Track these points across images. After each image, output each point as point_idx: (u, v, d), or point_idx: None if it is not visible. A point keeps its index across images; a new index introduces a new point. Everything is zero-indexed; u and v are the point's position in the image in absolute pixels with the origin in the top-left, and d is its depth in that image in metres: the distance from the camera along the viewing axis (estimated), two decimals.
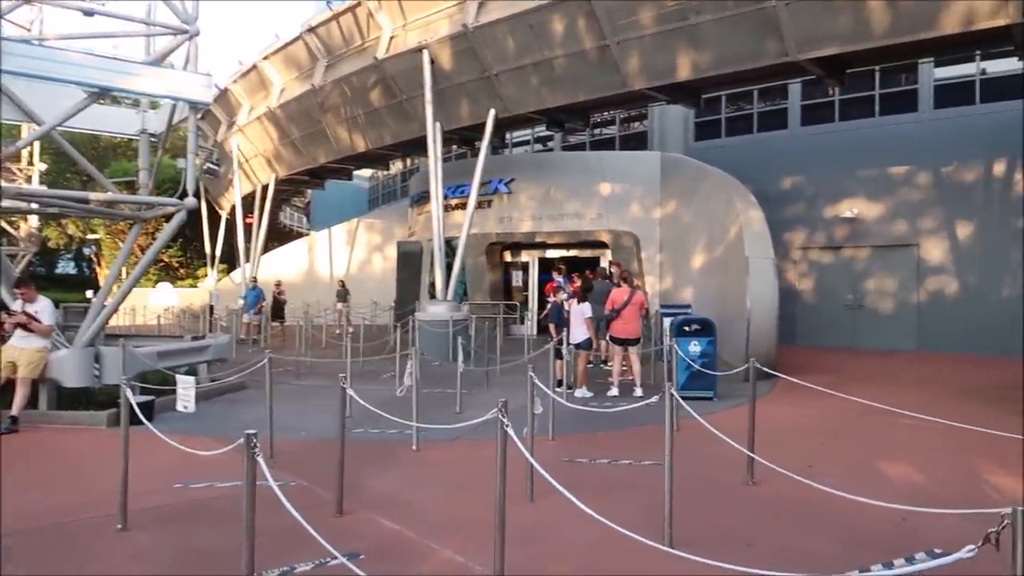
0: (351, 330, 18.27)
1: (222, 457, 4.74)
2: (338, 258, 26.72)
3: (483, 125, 15.79)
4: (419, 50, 15.50)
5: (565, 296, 10.89)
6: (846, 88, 16.53)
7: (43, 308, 8.50)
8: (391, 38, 16.43)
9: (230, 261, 32.82)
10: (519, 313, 18.91)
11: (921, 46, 11.30)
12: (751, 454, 5.87)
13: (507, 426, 3.82)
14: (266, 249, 25.49)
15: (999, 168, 15.30)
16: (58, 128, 9.54)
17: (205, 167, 12.72)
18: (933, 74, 16.21)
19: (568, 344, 9.81)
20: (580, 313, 10.25)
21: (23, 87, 9.51)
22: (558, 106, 15.20)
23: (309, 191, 33.57)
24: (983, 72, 15.93)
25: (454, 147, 21.49)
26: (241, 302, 19.76)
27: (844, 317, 16.78)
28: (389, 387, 11.00)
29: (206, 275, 29.14)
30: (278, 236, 33.77)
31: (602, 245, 18.58)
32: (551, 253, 19.86)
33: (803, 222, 17.38)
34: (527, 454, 3.90)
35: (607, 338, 10.55)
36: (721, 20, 11.89)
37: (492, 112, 15.44)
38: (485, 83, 15.34)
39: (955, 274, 15.67)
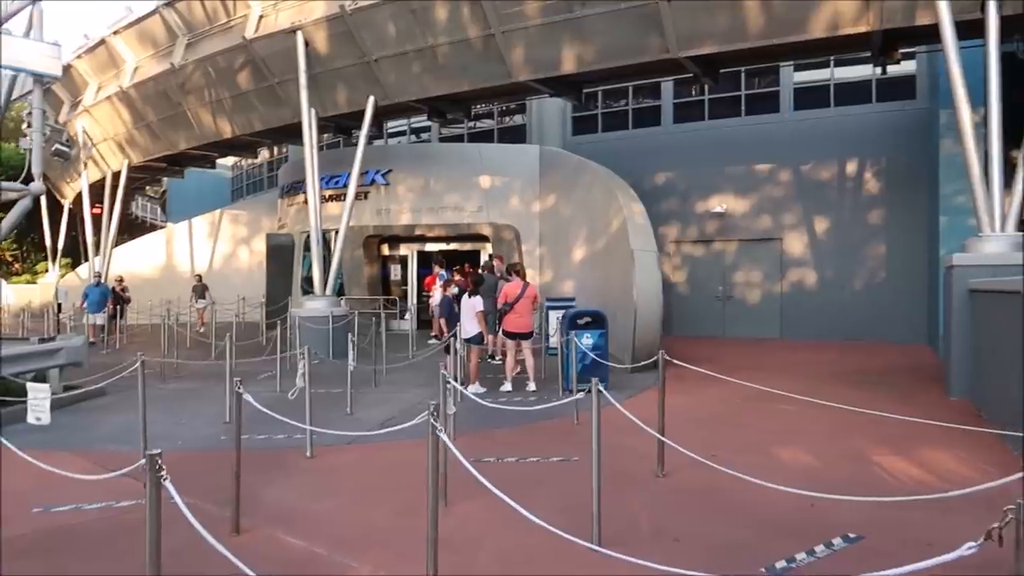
0: (202, 329, 17.11)
1: (85, 474, 4.17)
2: (200, 252, 25.06)
3: (361, 113, 15.20)
4: (292, 31, 14.69)
5: (456, 290, 10.61)
6: (715, 88, 17.25)
7: None
8: (260, 17, 15.48)
9: (73, 255, 30.11)
10: (399, 308, 18.42)
11: (791, 48, 11.86)
12: (667, 440, 5.84)
13: (439, 431, 3.53)
14: (117, 242, 23.47)
15: (851, 167, 16.43)
16: None
17: (54, 148, 11.37)
18: (793, 77, 17.17)
19: (460, 339, 9.55)
20: (472, 307, 10.01)
21: None
22: (441, 95, 14.85)
23: (165, 180, 31.32)
24: (832, 76, 17.02)
25: (326, 135, 20.62)
26: (81, 301, 17.71)
27: (714, 308, 17.51)
28: (267, 388, 10.35)
29: (47, 270, 26.55)
30: (129, 228, 31.31)
31: (482, 238, 18.41)
32: (430, 246, 19.49)
33: (676, 216, 17.96)
34: (461, 458, 3.61)
35: (499, 332, 10.37)
36: (606, 14, 11.97)
37: (371, 99, 14.88)
38: (364, 69, 14.74)
39: (813, 266, 16.71)
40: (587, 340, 9.63)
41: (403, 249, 19.71)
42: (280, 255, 20.53)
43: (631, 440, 7.13)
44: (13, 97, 10.24)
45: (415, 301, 18.78)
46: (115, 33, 18.74)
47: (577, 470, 6.35)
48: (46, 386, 6.57)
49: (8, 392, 7.96)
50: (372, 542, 4.60)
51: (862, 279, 16.21)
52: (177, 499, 2.89)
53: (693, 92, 18.43)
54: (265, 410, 5.31)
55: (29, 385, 6.53)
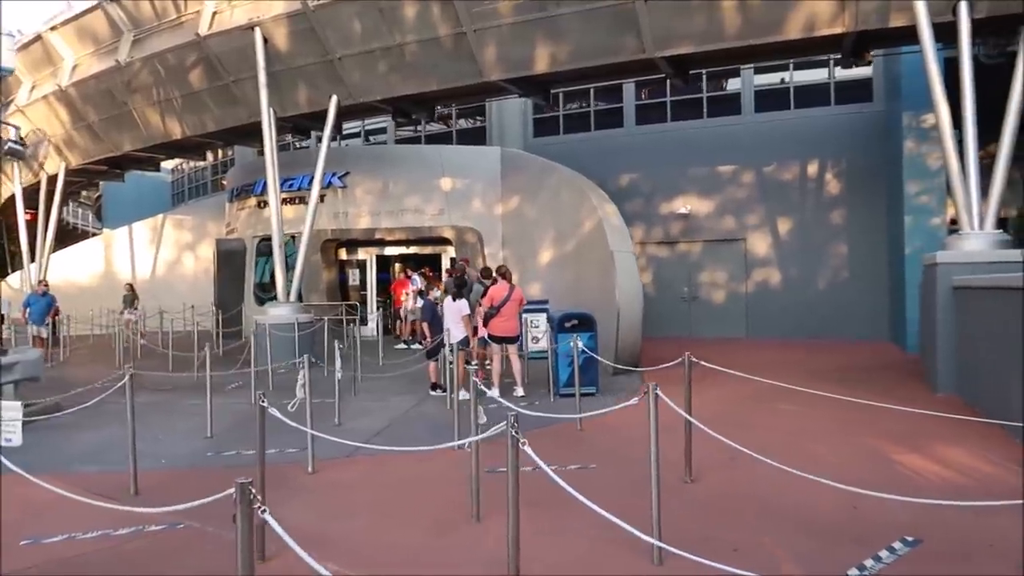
0: (143, 341, 16.06)
1: (64, 499, 3.76)
2: (141, 259, 23.93)
3: (322, 113, 14.69)
4: (250, 28, 14.08)
5: (438, 294, 10.27)
6: (676, 90, 17.34)
7: None
8: (214, 13, 14.79)
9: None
10: (360, 314, 17.88)
11: (767, 49, 11.89)
12: (719, 435, 5.66)
13: (523, 443, 3.24)
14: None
15: (812, 169, 16.71)
16: None
17: (7, 147, 10.51)
18: (754, 80, 17.38)
19: (449, 344, 9.21)
20: (457, 311, 9.68)
21: None
22: (407, 95, 14.45)
23: (101, 184, 29.87)
24: (782, 81, 17.31)
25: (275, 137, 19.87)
26: (23, 311, 16.57)
27: (680, 308, 17.55)
28: (240, 400, 9.81)
29: None
30: (60, 235, 29.64)
31: (444, 242, 18.05)
32: (390, 250, 19.02)
33: (641, 218, 17.94)
34: (548, 469, 3.32)
35: (486, 337, 10.06)
36: (580, 14, 11.80)
37: (335, 99, 14.38)
38: (327, 67, 14.23)
39: (777, 266, 16.92)
40: (577, 343, 9.40)
41: (361, 253, 19.18)
42: (231, 261, 19.72)
43: (640, 446, 6.93)
44: None
45: (375, 307, 18.28)
46: (52, 28, 17.72)
47: (599, 478, 6.12)
48: (18, 404, 6.02)
49: None
50: (411, 564, 4.27)
51: (825, 278, 16.48)
52: (275, 526, 2.53)
53: (643, 95, 18.52)
54: (290, 422, 4.91)
55: (0, 403, 5.97)
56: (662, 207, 17.89)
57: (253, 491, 2.45)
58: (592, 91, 18.89)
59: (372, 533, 4.84)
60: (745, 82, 17.45)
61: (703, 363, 6.10)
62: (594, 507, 3.24)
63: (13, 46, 8.38)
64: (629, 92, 18.47)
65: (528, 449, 3.32)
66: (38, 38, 18.11)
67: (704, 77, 17.60)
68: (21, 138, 16.54)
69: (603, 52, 12.29)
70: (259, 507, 2.45)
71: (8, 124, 13.14)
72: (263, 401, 4.47)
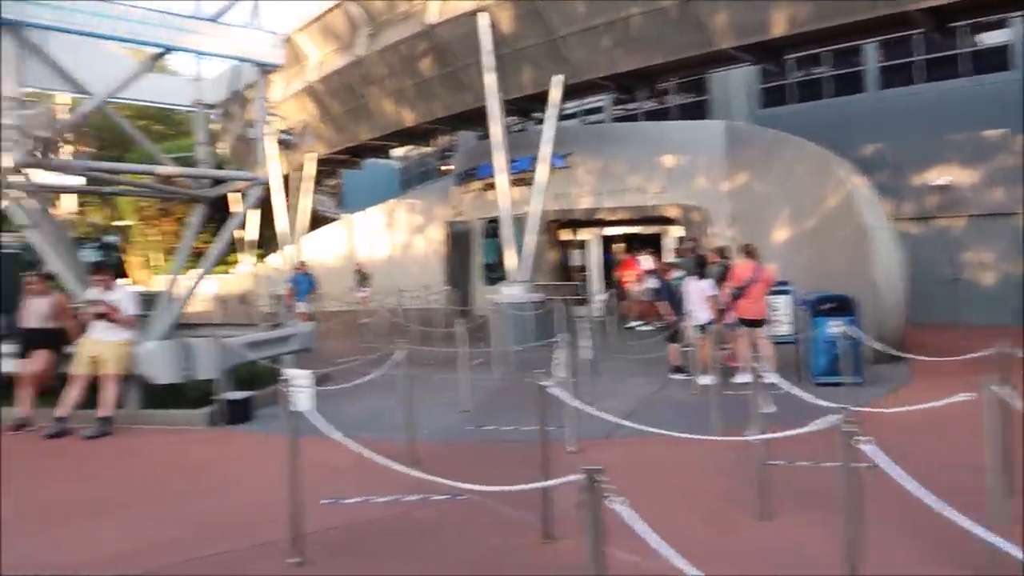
0: (368, 319, 17.16)
1: (353, 465, 3.84)
2: (377, 241, 25.70)
3: (544, 94, 14.80)
4: (475, 13, 14.44)
5: (681, 275, 9.90)
6: (928, 48, 15.49)
7: (124, 297, 7.59)
8: (442, 0, 15.37)
9: (260, 245, 31.90)
10: (587, 294, 17.92)
11: None
12: None
13: (866, 440, 2.89)
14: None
15: None
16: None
17: (280, 138, 11.77)
18: None
19: (694, 326, 8.85)
20: (700, 291, 9.28)
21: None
22: (630, 70, 14.15)
23: (342, 172, 32.57)
24: None
25: None
26: (287, 287, 18.44)
27: (940, 291, 15.67)
28: (484, 376, 10.15)
29: (236, 261, 28.22)
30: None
31: (666, 220, 17.58)
32: (609, 230, 18.85)
33: (889, 191, 16.17)
34: (891, 468, 2.94)
35: (734, 320, 9.56)
36: None
37: (559, 79, 14.41)
38: (550, 47, 14.31)
39: None
40: (836, 328, 8.65)
41: (583, 234, 19.19)
42: (459, 243, 20.62)
43: (931, 445, 6.20)
44: (233, 89, 10.44)
45: (603, 287, 18.20)
46: (300, 30, 19.39)
47: (889, 481, 5.52)
48: (308, 372, 6.53)
49: (256, 378, 8.10)
50: (706, 565, 4.02)
51: None
52: (628, 516, 2.41)
53: (881, 56, 16.65)
54: (571, 401, 4.87)
55: (291, 372, 6.51)
56: (913, 179, 16.07)
57: (604, 479, 2.34)
58: (825, 55, 17.38)
59: (655, 519, 4.65)
60: (1015, 33, 15.16)
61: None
62: (956, 515, 2.80)
63: (280, 43, 9.10)
64: (870, 54, 16.77)
65: (867, 448, 2.94)
66: (287, 39, 19.87)
67: (959, 32, 15.47)
68: (289, 128, 18.31)
69: (849, 9, 11.19)
70: (608, 496, 2.33)
71: (277, 115, 14.60)
72: (545, 381, 4.44)
